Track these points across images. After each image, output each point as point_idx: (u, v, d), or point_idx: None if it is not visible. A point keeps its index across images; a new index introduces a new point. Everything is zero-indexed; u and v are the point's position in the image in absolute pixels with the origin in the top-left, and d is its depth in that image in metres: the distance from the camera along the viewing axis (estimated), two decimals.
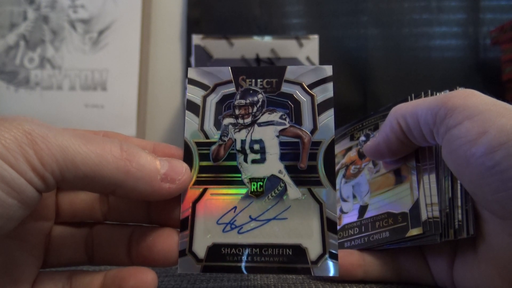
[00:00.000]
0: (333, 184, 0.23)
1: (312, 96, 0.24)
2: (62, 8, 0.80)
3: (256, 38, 0.60)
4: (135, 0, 0.80)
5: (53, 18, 0.80)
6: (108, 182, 0.20)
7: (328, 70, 0.24)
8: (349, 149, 0.34)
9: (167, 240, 0.23)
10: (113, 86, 0.79)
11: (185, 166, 0.23)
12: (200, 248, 0.22)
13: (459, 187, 0.25)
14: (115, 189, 0.20)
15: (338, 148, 0.35)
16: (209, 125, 0.25)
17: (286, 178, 0.23)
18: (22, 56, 0.79)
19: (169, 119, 0.82)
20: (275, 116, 0.24)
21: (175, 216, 0.23)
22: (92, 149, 0.19)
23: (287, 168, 0.23)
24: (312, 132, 0.24)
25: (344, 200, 0.32)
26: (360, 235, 0.29)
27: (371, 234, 0.28)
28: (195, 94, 0.25)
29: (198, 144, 0.24)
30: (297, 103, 0.24)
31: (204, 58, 0.60)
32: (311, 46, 0.60)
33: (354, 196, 0.31)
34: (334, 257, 0.22)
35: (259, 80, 0.25)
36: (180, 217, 0.23)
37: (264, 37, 0.60)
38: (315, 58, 0.59)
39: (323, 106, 0.24)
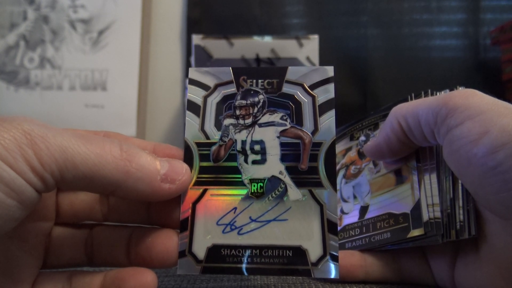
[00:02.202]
0: (334, 186, 0.23)
1: (313, 97, 0.24)
2: (62, 8, 0.80)
3: (256, 38, 0.60)
4: (135, 0, 0.80)
5: (53, 18, 0.80)
6: (108, 182, 0.20)
7: (329, 71, 0.24)
8: (349, 149, 0.34)
9: (166, 241, 0.23)
10: (113, 86, 0.79)
11: (185, 166, 0.23)
12: (200, 249, 0.22)
13: (460, 187, 0.25)
14: (114, 190, 0.20)
15: (338, 148, 0.35)
16: (209, 125, 0.24)
17: (287, 179, 0.23)
18: (22, 56, 0.79)
19: (169, 119, 0.82)
20: (276, 117, 0.24)
21: (175, 216, 0.23)
22: (91, 149, 0.19)
23: (288, 169, 0.23)
24: (313, 133, 0.24)
25: (345, 201, 0.32)
26: (361, 236, 0.29)
27: (372, 234, 0.28)
28: (195, 94, 0.25)
29: (199, 144, 0.24)
30: (298, 104, 0.24)
31: (204, 58, 0.59)
32: (311, 46, 0.60)
33: (354, 197, 0.31)
34: (334, 259, 0.22)
35: (260, 81, 0.25)
36: (180, 218, 0.23)
37: (264, 37, 0.60)
38: (315, 58, 0.59)
39: (324, 107, 0.24)
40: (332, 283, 0.28)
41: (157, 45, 0.83)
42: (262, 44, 0.60)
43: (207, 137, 0.24)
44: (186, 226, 0.23)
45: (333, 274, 0.21)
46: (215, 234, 0.22)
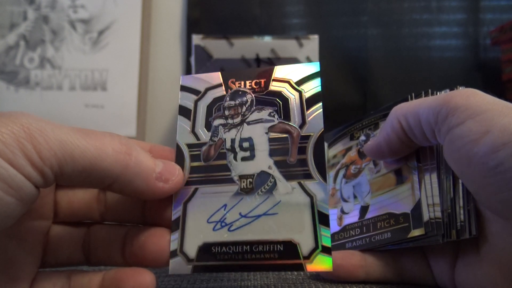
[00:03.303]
0: (324, 177, 0.23)
1: (300, 92, 0.25)
2: (62, 8, 0.80)
3: (256, 38, 0.60)
4: (135, 0, 0.80)
5: (53, 18, 0.80)
6: (106, 175, 0.20)
7: (315, 66, 0.25)
8: (349, 148, 0.34)
9: (158, 240, 0.23)
10: (113, 86, 0.79)
11: (178, 167, 0.23)
12: (191, 248, 0.22)
13: (460, 187, 0.25)
14: (112, 183, 0.20)
15: (338, 148, 0.35)
16: (200, 127, 0.25)
17: (276, 173, 0.23)
18: (22, 56, 0.79)
19: (169, 119, 0.82)
20: (263, 114, 0.24)
21: (167, 216, 0.24)
22: (91, 142, 0.19)
23: (277, 163, 0.23)
24: (301, 126, 0.24)
25: (345, 201, 0.32)
26: (361, 236, 0.29)
27: (372, 234, 0.28)
28: (187, 99, 0.26)
29: (190, 146, 0.25)
30: (285, 99, 0.25)
31: (204, 58, 0.59)
32: (311, 46, 0.60)
33: (354, 197, 0.31)
34: (327, 251, 0.21)
35: (247, 82, 0.25)
36: (172, 218, 0.23)
37: (264, 37, 0.60)
38: (315, 58, 0.59)
39: (311, 101, 0.24)
40: (332, 283, 0.28)
41: (157, 45, 0.83)
42: (262, 44, 0.60)
43: (198, 138, 0.25)
44: (177, 225, 0.23)
45: (326, 267, 0.21)
46: (206, 232, 0.23)
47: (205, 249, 0.22)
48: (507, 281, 0.22)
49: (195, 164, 0.24)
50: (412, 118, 0.26)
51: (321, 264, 0.21)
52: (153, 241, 0.23)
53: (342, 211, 0.32)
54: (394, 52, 0.79)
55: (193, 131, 0.25)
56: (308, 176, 0.23)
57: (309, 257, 0.21)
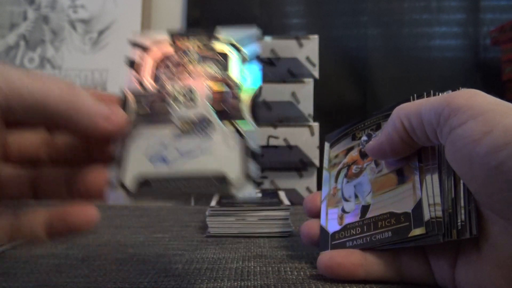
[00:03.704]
0: (256, 121, 0.25)
1: (240, 51, 0.28)
2: (62, 8, 0.80)
3: None
4: (135, 0, 0.80)
5: (53, 18, 0.80)
6: (53, 113, 0.21)
7: (255, 31, 0.29)
8: (351, 148, 0.34)
9: (100, 176, 0.24)
10: (113, 86, 0.79)
11: (121, 110, 0.25)
12: (130, 181, 0.24)
13: (461, 187, 0.25)
14: (58, 121, 0.22)
15: (340, 148, 0.35)
16: (147, 78, 0.28)
17: (213, 117, 0.26)
18: (22, 56, 0.79)
19: None
20: (207, 69, 0.28)
21: (109, 154, 0.25)
22: (37, 81, 0.20)
23: (215, 109, 0.26)
24: (240, 80, 0.27)
25: (346, 200, 0.32)
26: (362, 235, 0.29)
27: (373, 234, 0.28)
28: (135, 54, 0.29)
29: (135, 93, 0.27)
30: (227, 57, 0.28)
31: None
32: (311, 46, 0.60)
33: (356, 196, 0.31)
34: (252, 180, 0.24)
35: (193, 40, 0.29)
36: (114, 155, 0.25)
37: (264, 37, 0.60)
38: (315, 58, 0.59)
39: (250, 60, 0.28)
40: (332, 282, 0.28)
41: None
42: (262, 44, 0.59)
43: (144, 88, 0.27)
44: (119, 161, 0.25)
45: (250, 193, 0.23)
46: (145, 167, 0.24)
47: (144, 182, 0.24)
48: (507, 281, 0.22)
49: (139, 109, 0.27)
50: (415, 119, 0.26)
51: (247, 190, 0.23)
52: (95, 177, 0.24)
53: (343, 210, 0.32)
54: (394, 52, 0.80)
55: (140, 82, 0.28)
56: (243, 122, 0.26)
57: (236, 185, 0.24)
